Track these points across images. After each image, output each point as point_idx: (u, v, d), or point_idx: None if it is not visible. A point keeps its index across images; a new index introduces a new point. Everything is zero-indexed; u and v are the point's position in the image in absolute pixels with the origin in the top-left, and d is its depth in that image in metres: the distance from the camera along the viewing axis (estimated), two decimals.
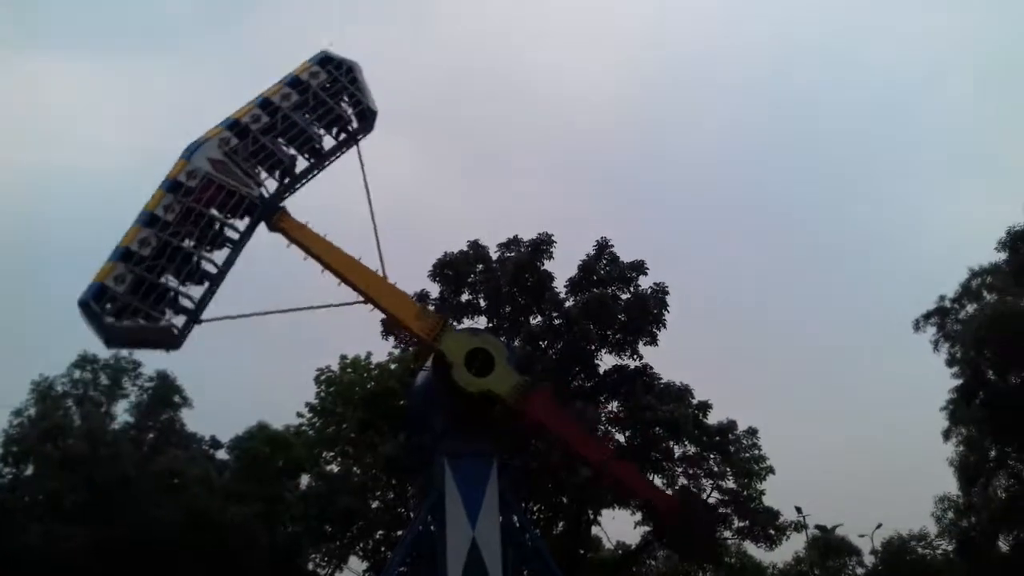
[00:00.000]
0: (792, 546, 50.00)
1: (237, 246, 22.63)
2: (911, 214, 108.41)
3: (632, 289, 33.21)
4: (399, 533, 32.35)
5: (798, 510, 39.84)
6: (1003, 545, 38.31)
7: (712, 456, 33.09)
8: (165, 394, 44.57)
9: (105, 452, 39.51)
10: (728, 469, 33.02)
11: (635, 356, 32.87)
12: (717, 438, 33.06)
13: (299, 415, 39.12)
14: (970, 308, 39.19)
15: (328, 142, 24.42)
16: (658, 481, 33.07)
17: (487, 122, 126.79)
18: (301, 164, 23.98)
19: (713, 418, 33.07)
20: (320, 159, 24.19)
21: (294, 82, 23.97)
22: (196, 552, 38.01)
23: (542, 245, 33.52)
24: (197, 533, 38.19)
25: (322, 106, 24.06)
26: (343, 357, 37.54)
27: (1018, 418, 35.05)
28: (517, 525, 23.61)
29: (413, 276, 34.01)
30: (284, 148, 23.53)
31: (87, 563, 35.99)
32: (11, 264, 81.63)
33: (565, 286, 33.48)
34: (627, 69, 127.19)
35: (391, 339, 34.63)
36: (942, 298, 40.14)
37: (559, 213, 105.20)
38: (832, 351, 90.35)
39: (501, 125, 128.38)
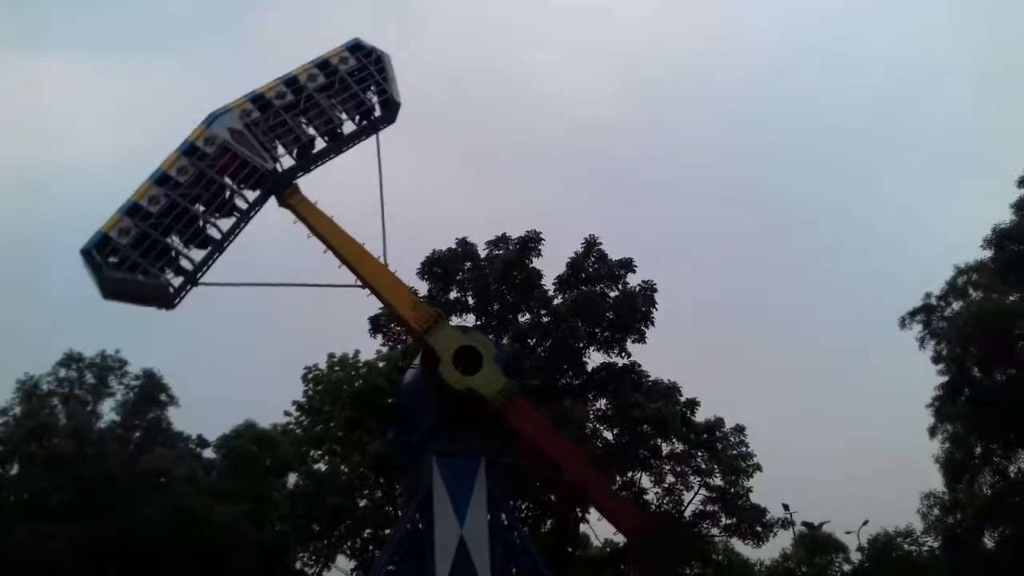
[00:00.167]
0: (779, 543, 50.23)
1: (244, 216, 22.87)
2: (911, 214, 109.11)
3: (621, 287, 33.26)
4: (387, 531, 32.34)
5: (785, 507, 39.89)
6: (988, 541, 38.46)
7: (699, 453, 33.22)
8: (151, 392, 44.34)
9: (91, 451, 39.29)
10: (715, 466, 33.17)
11: (623, 354, 32.94)
12: (704, 435, 33.20)
13: (287, 413, 39.08)
14: (956, 305, 39.35)
15: (349, 128, 24.60)
16: (646, 479, 33.32)
17: (486, 122, 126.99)
18: (319, 146, 24.16)
19: (701, 416, 33.23)
20: (338, 143, 24.38)
21: (323, 64, 24.26)
22: (183, 551, 37.79)
23: (530, 243, 33.54)
24: (184, 532, 37.98)
25: (347, 91, 24.30)
26: (331, 355, 37.46)
27: (1003, 415, 35.24)
28: (505, 523, 23.59)
29: (405, 273, 33.94)
30: (304, 127, 23.78)
31: (73, 562, 35.75)
32: (10, 265, 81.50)
33: (554, 284, 33.52)
34: (627, 69, 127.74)
35: (379, 337, 34.65)
36: (928, 295, 40.32)
37: (558, 212, 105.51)
38: (827, 351, 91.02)
39: (500, 125, 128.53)
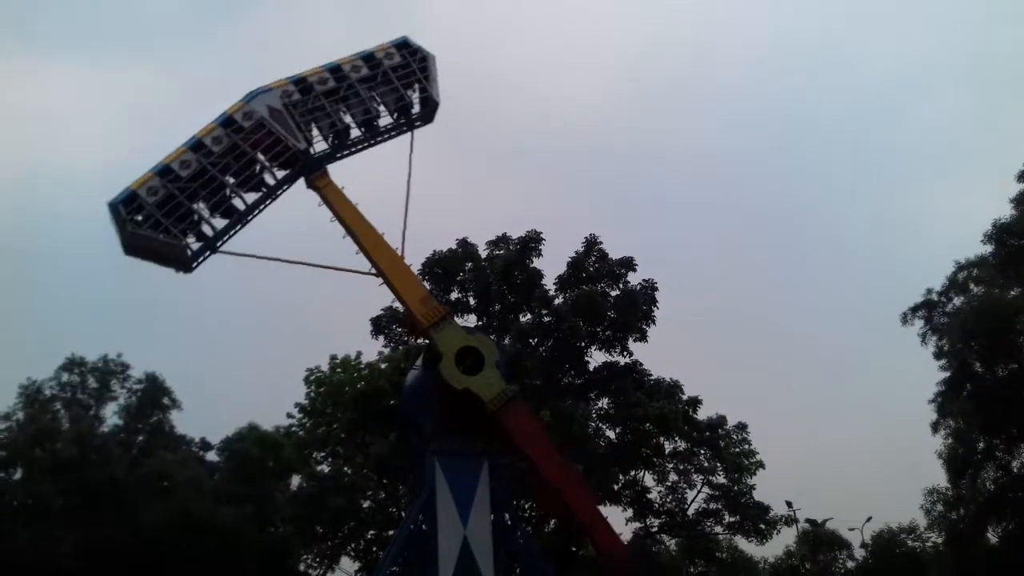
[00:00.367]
0: (783, 540, 50.40)
1: (270, 192, 23.21)
2: (911, 214, 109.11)
3: (621, 286, 33.23)
4: (390, 533, 32.30)
5: (788, 504, 40.01)
6: (992, 537, 38.50)
7: (702, 452, 33.21)
8: (154, 396, 44.45)
9: (94, 455, 39.42)
10: (718, 464, 33.15)
11: (625, 353, 32.91)
12: (707, 434, 33.16)
13: (289, 416, 39.01)
14: (957, 301, 39.39)
15: (385, 122, 24.81)
16: (649, 478, 33.32)
17: (486, 122, 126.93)
18: (354, 135, 24.42)
19: (703, 414, 33.21)
20: (373, 134, 24.64)
21: (368, 57, 24.60)
22: (186, 554, 37.86)
23: (531, 243, 33.51)
24: (187, 535, 38.07)
25: (388, 85, 24.55)
26: (333, 357, 37.46)
27: (1005, 410, 35.28)
28: (509, 523, 23.58)
29: None
30: (342, 114, 24.10)
31: (77, 567, 35.88)
32: (10, 266, 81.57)
33: (554, 283, 33.47)
34: (627, 69, 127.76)
35: (381, 338, 34.63)
36: (929, 291, 40.35)
37: (556, 212, 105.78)
38: (829, 348, 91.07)
39: (500, 125, 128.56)
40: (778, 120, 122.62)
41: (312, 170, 23.34)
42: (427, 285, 33.97)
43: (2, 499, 39.51)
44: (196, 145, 22.29)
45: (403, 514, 31.95)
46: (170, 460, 41.84)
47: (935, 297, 40.18)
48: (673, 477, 33.36)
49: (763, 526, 33.36)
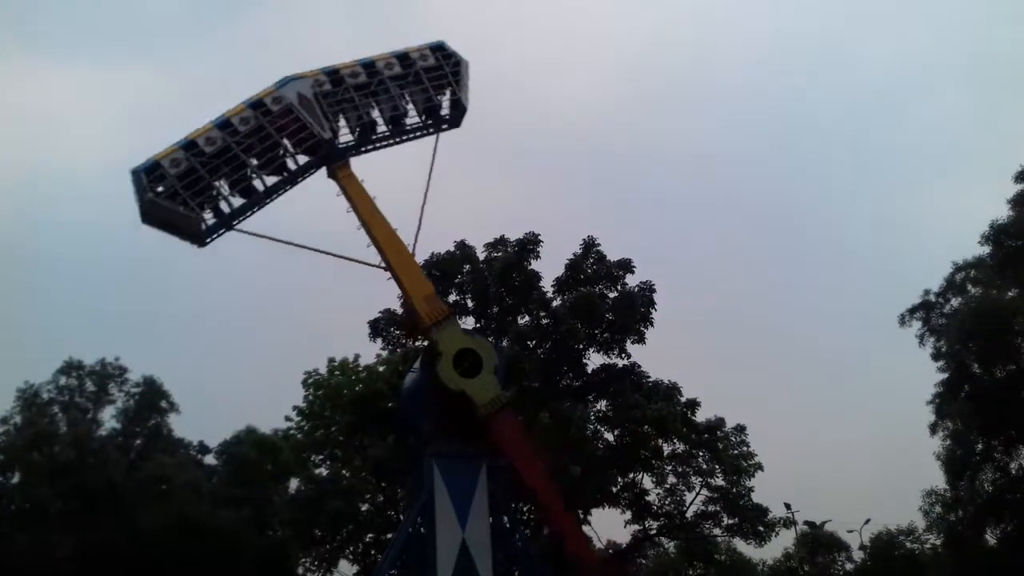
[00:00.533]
0: (781, 542, 50.29)
1: (291, 178, 23.52)
2: (911, 214, 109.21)
3: (619, 288, 33.18)
4: (389, 536, 32.27)
5: (787, 506, 39.95)
6: (990, 538, 38.46)
7: (701, 454, 33.17)
8: (152, 400, 44.41)
9: (92, 459, 39.34)
10: (717, 466, 33.11)
11: (623, 355, 32.85)
12: (706, 436, 33.13)
13: (287, 419, 39.04)
14: (955, 302, 39.38)
15: (412, 122, 25.04)
16: (647, 481, 33.29)
17: (486, 122, 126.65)
18: (380, 131, 24.66)
19: (702, 416, 33.18)
20: (399, 132, 24.89)
21: (402, 56, 24.89)
22: (184, 558, 37.80)
23: (528, 245, 33.45)
24: (185, 539, 38.00)
25: (419, 85, 24.80)
26: (331, 360, 37.45)
27: (1004, 411, 35.26)
28: (507, 526, 23.55)
29: None
30: (370, 109, 24.38)
31: (74, 571, 35.81)
32: (10, 269, 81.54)
33: (552, 285, 33.41)
34: (627, 69, 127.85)
35: (379, 341, 34.58)
36: (927, 292, 40.34)
37: (556, 212, 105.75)
38: (827, 349, 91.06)
39: (500, 125, 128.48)
40: (778, 120, 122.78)
41: (335, 160, 23.63)
42: None
43: (0, 503, 39.44)
44: (224, 124, 22.68)
45: (401, 517, 31.94)
46: (168, 464, 41.77)
47: (933, 298, 40.18)
48: (672, 479, 33.34)
49: (762, 528, 33.31)
